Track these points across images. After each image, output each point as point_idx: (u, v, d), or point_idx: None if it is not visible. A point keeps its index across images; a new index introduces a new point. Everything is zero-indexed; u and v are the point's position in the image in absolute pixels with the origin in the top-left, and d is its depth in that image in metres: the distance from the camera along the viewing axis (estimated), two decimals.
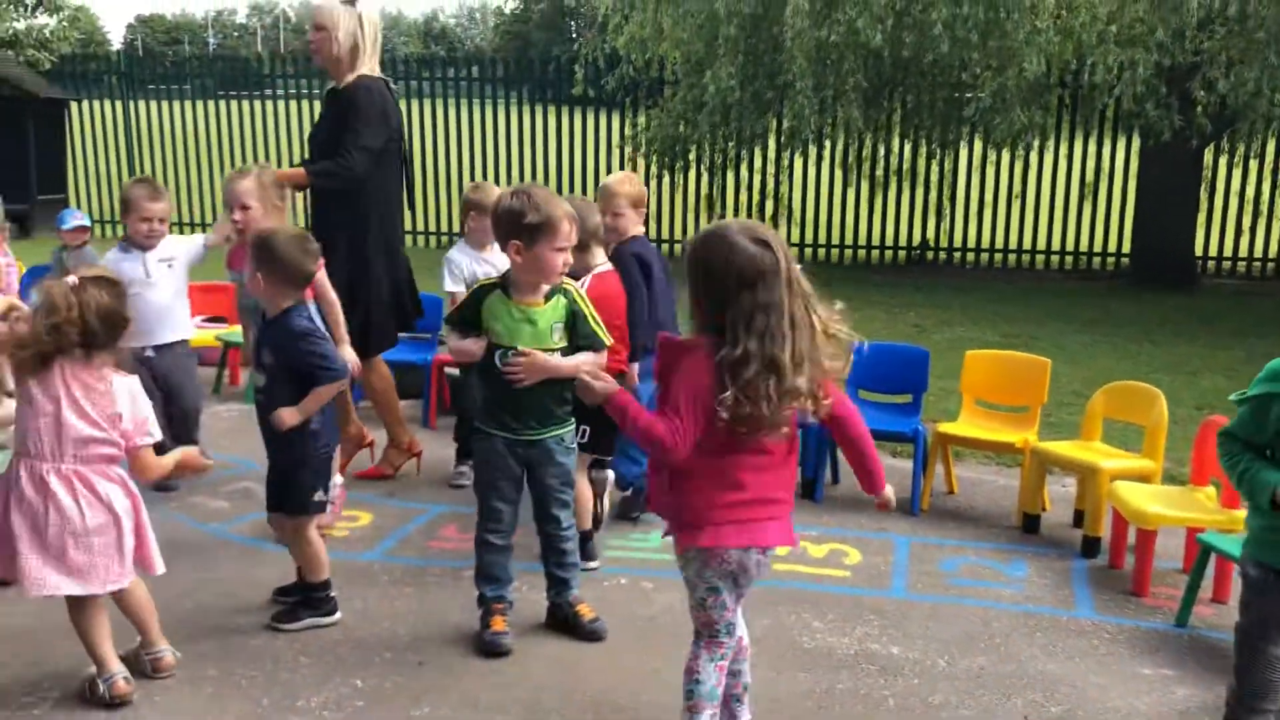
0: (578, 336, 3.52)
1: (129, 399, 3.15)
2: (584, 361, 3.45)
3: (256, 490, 5.01)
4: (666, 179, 13.82)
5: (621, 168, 13.94)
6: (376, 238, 5.05)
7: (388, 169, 5.06)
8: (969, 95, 12.29)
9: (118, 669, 3.20)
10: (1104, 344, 8.85)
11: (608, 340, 3.61)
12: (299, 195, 5.02)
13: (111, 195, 14.93)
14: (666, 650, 3.56)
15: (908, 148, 13.75)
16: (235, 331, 6.91)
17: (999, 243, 13.80)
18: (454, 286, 5.05)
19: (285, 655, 3.49)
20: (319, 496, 3.65)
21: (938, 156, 13.74)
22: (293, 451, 3.61)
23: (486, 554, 3.61)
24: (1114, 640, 3.76)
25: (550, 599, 3.72)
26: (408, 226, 13.99)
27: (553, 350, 3.46)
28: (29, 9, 16.07)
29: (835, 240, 14.25)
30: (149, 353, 4.66)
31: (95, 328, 3.07)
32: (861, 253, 14.16)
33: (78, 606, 3.18)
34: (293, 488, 3.63)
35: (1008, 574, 4.30)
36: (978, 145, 13.21)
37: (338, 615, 3.72)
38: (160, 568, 3.28)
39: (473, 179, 14.04)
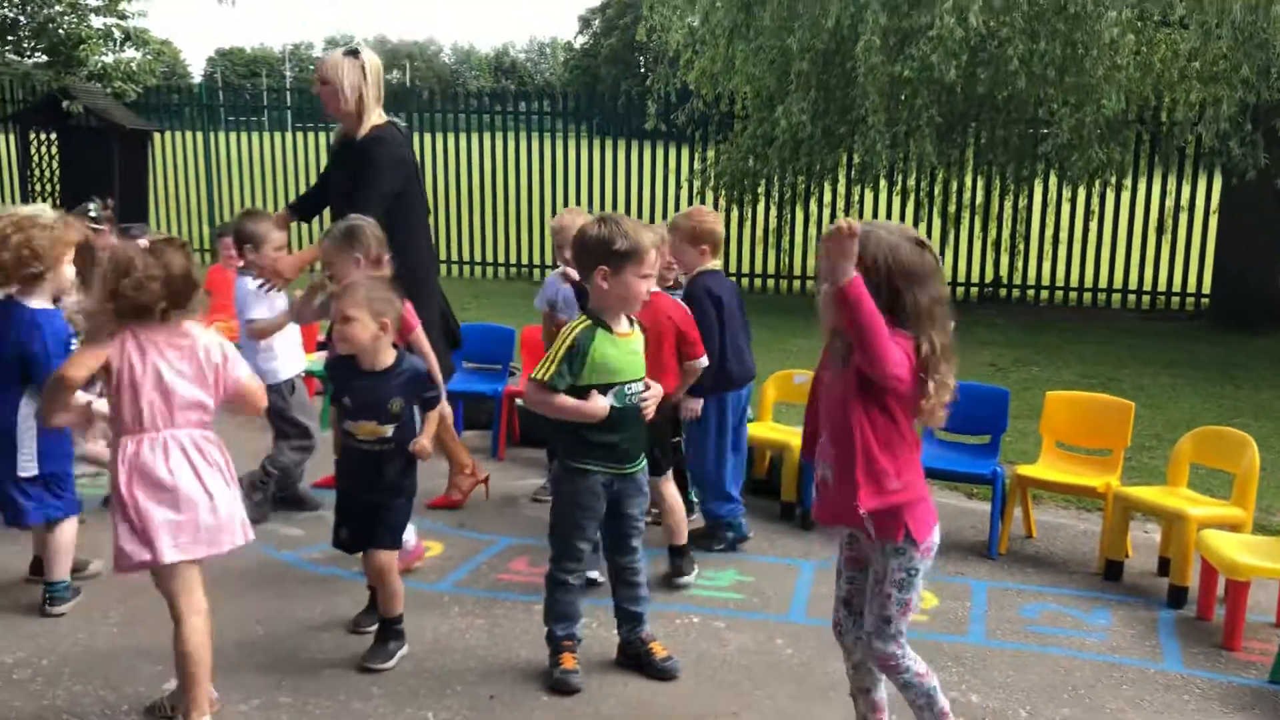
0: None
1: (217, 345, 3.16)
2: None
3: (331, 519, 5.05)
4: (734, 212, 13.81)
5: (690, 201, 13.97)
6: (417, 269, 5.01)
7: (411, 205, 5.10)
8: (1044, 131, 12.15)
9: None
10: (1185, 386, 8.62)
11: None
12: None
13: (191, 223, 15.29)
14: (742, 692, 3.52)
15: (980, 183, 13.61)
16: (310, 360, 7.00)
17: (1074, 280, 13.55)
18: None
19: (358, 685, 3.49)
20: (410, 532, 3.65)
21: (1011, 192, 13.57)
22: (396, 487, 3.65)
23: (561, 593, 3.57)
24: (1205, 696, 3.63)
25: (622, 635, 3.68)
26: (480, 258, 14.23)
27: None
28: (117, 43, 16.54)
29: None
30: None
31: (178, 286, 3.05)
32: None
33: (175, 573, 3.11)
34: (388, 524, 3.64)
35: (1090, 622, 4.18)
36: (1053, 181, 13.03)
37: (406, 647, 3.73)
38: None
39: (543, 212, 14.16)
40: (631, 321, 3.53)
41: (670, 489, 4.34)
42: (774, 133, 12.31)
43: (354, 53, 5.10)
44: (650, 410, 3.54)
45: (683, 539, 4.35)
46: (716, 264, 4.71)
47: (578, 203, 14.39)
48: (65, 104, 14.27)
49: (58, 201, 14.47)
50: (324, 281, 4.47)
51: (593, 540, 3.58)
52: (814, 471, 3.01)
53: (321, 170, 5.74)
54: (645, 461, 3.60)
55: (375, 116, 5.05)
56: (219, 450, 3.19)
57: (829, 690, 3.52)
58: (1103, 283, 13.44)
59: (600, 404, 3.38)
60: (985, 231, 13.74)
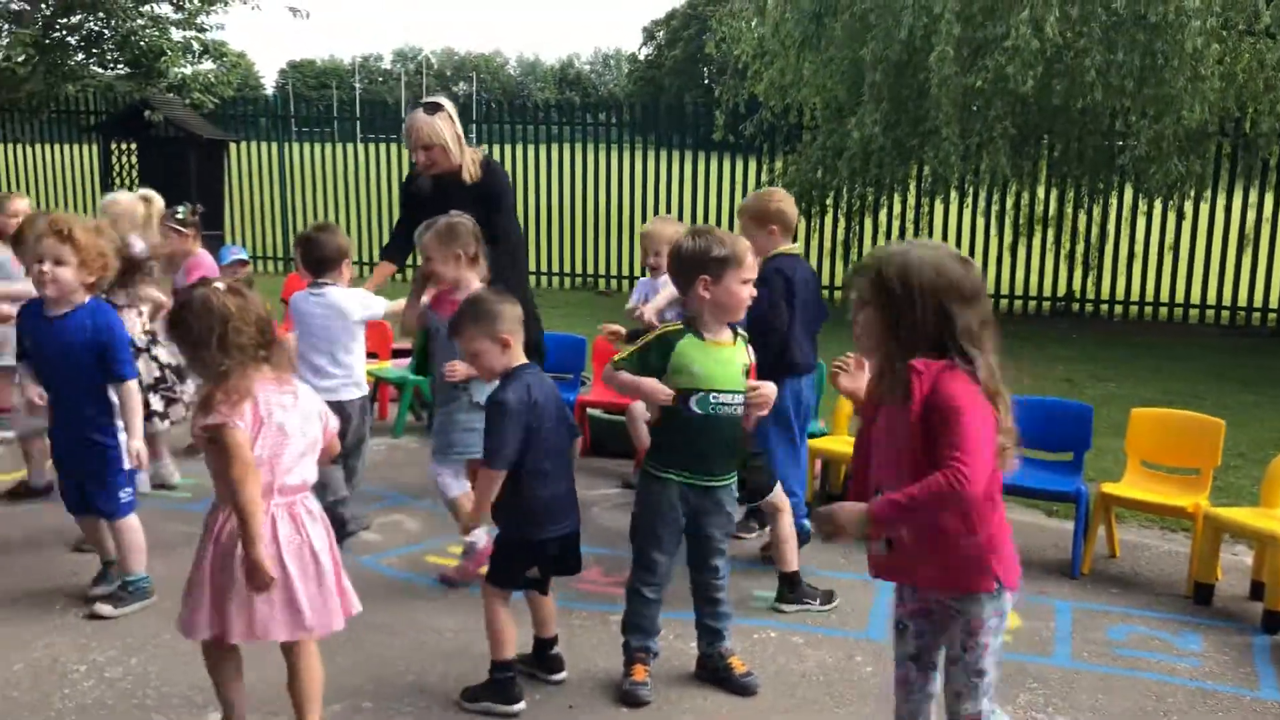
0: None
1: (319, 408, 3.02)
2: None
3: (407, 523, 5.12)
4: (802, 224, 13.74)
5: None
6: (510, 279, 5.03)
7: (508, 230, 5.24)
8: (1121, 144, 11.94)
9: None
10: (1268, 404, 8.39)
11: None
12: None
13: (265, 231, 15.56)
14: (822, 709, 3.48)
15: (1054, 196, 13.39)
16: (385, 367, 7.09)
17: (1150, 295, 13.28)
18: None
19: (439, 691, 3.51)
20: (532, 574, 3.49)
21: (1085, 205, 13.34)
22: (505, 531, 3.47)
23: (639, 606, 3.56)
24: None
25: (701, 649, 3.66)
26: (546, 268, 14.30)
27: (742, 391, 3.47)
28: (196, 56, 16.92)
29: None
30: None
31: (267, 331, 2.86)
32: (1004, 302, 13.78)
33: (218, 648, 3.02)
34: (503, 558, 3.48)
35: (1180, 646, 4.06)
36: (1129, 194, 12.79)
37: (520, 705, 3.41)
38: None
39: (608, 222, 14.21)
40: (736, 334, 3.50)
41: (784, 519, 4.28)
42: (844, 144, 12.24)
43: (434, 106, 5.17)
44: (752, 417, 3.52)
45: (790, 567, 4.27)
46: (793, 247, 4.59)
47: (644, 214, 14.41)
48: (147, 114, 14.62)
49: None
50: (425, 275, 4.50)
51: (670, 554, 3.54)
52: None
53: (399, 216, 5.68)
54: (731, 480, 3.55)
55: (470, 153, 5.23)
56: (318, 524, 3.02)
57: None
58: (1180, 297, 13.14)
59: (661, 387, 3.36)
60: (1059, 245, 13.52)
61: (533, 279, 14.55)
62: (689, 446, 3.43)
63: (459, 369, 4.12)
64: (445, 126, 5.11)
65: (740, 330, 3.57)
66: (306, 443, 2.93)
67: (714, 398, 3.41)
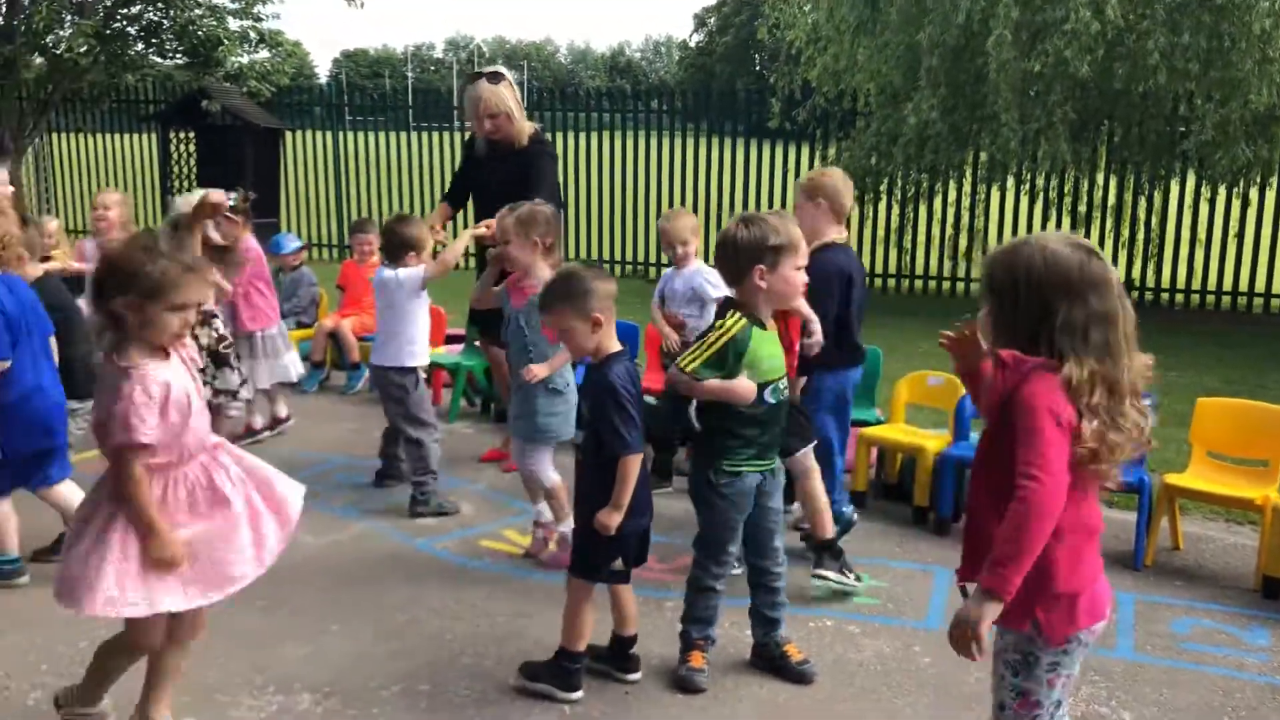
0: None
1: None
2: None
3: (461, 507, 5.13)
4: (855, 211, 13.60)
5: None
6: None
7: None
8: (1184, 129, 11.69)
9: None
10: None
11: None
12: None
13: (320, 219, 15.71)
14: (880, 699, 3.44)
15: (1113, 182, 13.14)
16: (439, 353, 7.12)
17: (1212, 284, 12.99)
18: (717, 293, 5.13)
19: (496, 675, 3.52)
20: (616, 566, 3.39)
21: (1146, 192, 13.08)
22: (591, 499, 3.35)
23: (706, 598, 3.52)
24: None
25: (756, 638, 3.64)
26: (598, 255, 14.28)
27: None
28: (253, 44, 17.07)
29: None
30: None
31: None
32: None
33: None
34: (589, 549, 3.37)
35: (1248, 641, 3.97)
36: (1190, 180, 12.51)
37: (578, 694, 3.39)
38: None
39: (659, 210, 14.17)
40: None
41: (814, 480, 4.23)
42: (900, 130, 12.11)
43: (497, 76, 5.49)
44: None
45: (827, 533, 4.23)
46: (842, 236, 4.51)
47: (694, 201, 14.35)
48: (204, 103, 14.80)
49: None
50: (499, 257, 4.57)
51: (737, 546, 3.53)
52: None
53: (458, 168, 6.09)
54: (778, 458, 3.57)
55: (527, 125, 5.56)
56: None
57: (971, 701, 3.42)
58: (1243, 285, 12.83)
59: (746, 386, 3.31)
60: (1118, 232, 13.27)
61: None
62: (762, 436, 3.41)
63: (536, 372, 4.20)
64: (508, 94, 5.46)
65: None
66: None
67: (781, 384, 3.43)
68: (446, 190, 6.21)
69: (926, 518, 5.03)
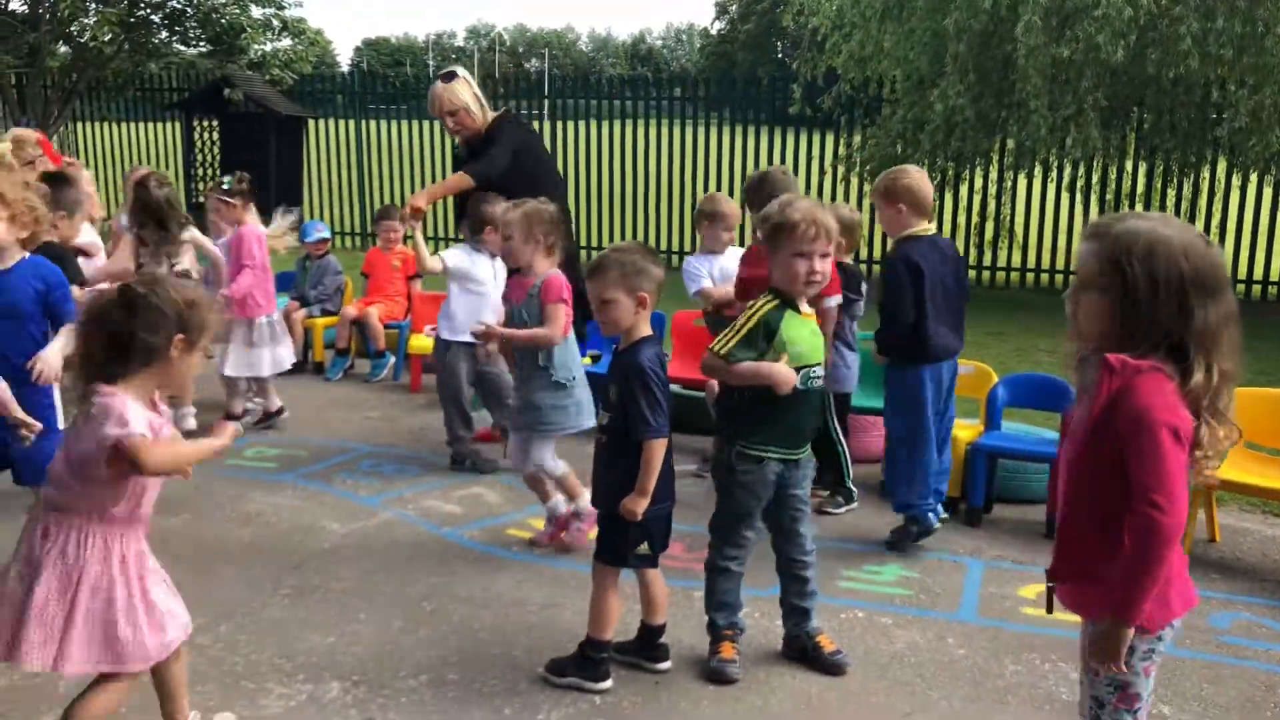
0: None
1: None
2: None
3: (487, 496, 5.10)
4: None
5: (833, 188, 13.72)
6: None
7: (539, 185, 5.23)
8: (1216, 116, 11.53)
9: None
10: None
11: None
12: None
13: (343, 207, 15.71)
14: (915, 692, 3.39)
15: (1142, 170, 12.98)
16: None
17: (1242, 272, 12.82)
18: (707, 283, 5.29)
19: (525, 664, 3.48)
20: (643, 551, 3.35)
21: (1175, 180, 12.91)
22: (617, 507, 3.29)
23: (724, 581, 3.49)
24: None
25: (787, 629, 3.59)
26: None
27: None
28: (276, 32, 17.09)
29: (1060, 265, 13.56)
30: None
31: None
32: None
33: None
34: (614, 535, 3.33)
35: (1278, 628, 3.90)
36: (1221, 168, 12.34)
37: (607, 683, 3.34)
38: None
39: (683, 197, 14.09)
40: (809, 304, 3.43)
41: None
42: (926, 117, 11.99)
43: (449, 75, 5.73)
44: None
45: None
46: (927, 228, 4.40)
47: (719, 189, 14.27)
48: (226, 92, 14.82)
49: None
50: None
51: (757, 530, 3.49)
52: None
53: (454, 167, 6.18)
54: (808, 449, 3.48)
55: (489, 114, 5.74)
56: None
57: (1006, 694, 3.37)
58: (1275, 274, 12.66)
59: (785, 370, 3.26)
60: None
61: None
62: (786, 422, 3.35)
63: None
64: (462, 89, 5.66)
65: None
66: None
67: (813, 371, 3.35)
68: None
69: (958, 508, 4.96)
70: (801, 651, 3.52)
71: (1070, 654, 3.58)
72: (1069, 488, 2.29)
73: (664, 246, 14.33)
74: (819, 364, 3.38)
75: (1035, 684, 3.43)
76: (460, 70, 5.80)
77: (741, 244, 5.64)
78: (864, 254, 12.81)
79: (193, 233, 5.99)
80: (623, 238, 14.34)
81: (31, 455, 3.70)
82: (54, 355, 3.79)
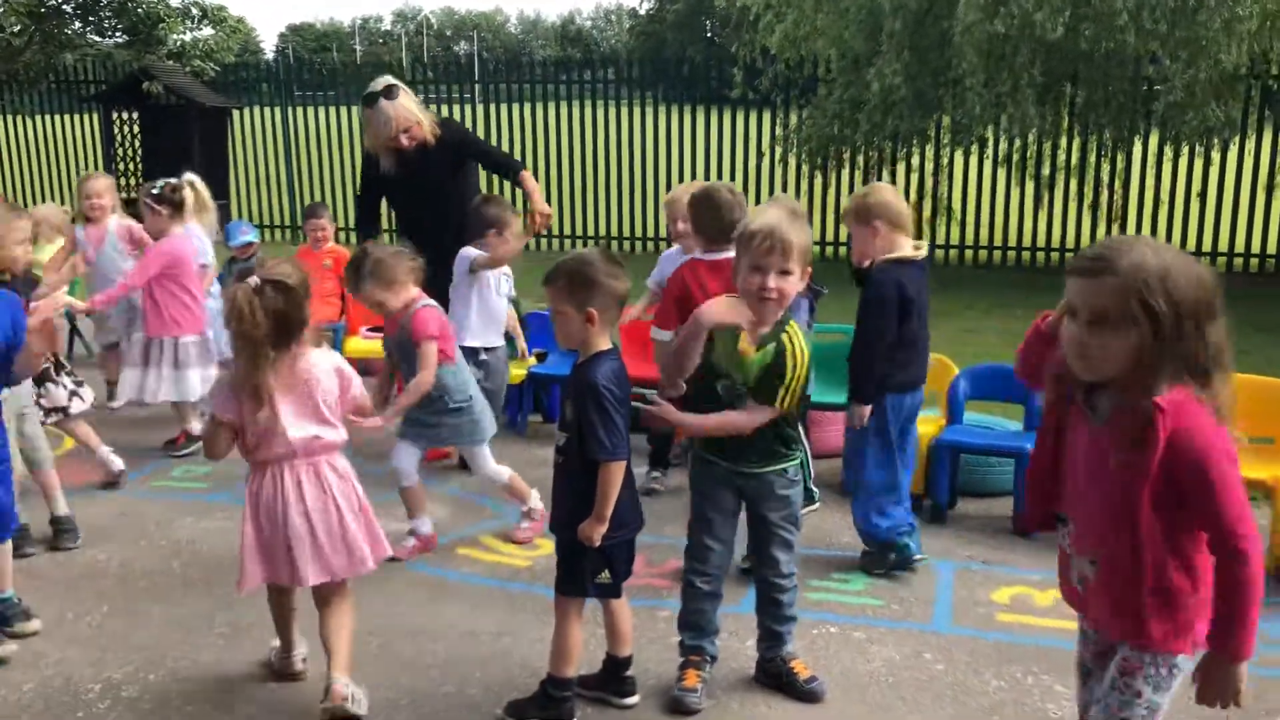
0: None
1: (332, 375, 3.19)
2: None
3: (435, 511, 4.84)
4: (818, 179, 13.41)
5: (771, 169, 13.59)
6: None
7: (472, 184, 5.75)
8: (1147, 89, 11.57)
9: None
10: None
11: None
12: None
13: (271, 200, 15.25)
14: (896, 715, 3.23)
15: (1076, 144, 13.01)
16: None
17: (1176, 243, 12.92)
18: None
19: (482, 705, 3.26)
20: (603, 579, 3.13)
21: (1109, 153, 12.96)
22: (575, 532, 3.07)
23: (690, 599, 3.31)
24: None
25: (760, 652, 3.40)
26: (556, 230, 13.93)
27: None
28: (195, 21, 16.56)
29: (998, 242, 13.57)
30: (483, 355, 5.17)
31: (272, 330, 3.03)
32: (1026, 255, 13.46)
33: (280, 595, 3.33)
34: (572, 562, 3.12)
35: (1271, 634, 3.81)
36: (1153, 141, 12.40)
37: None
38: (387, 550, 3.36)
39: (619, 182, 13.87)
40: (766, 343, 3.09)
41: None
42: (863, 96, 11.88)
43: (391, 90, 5.45)
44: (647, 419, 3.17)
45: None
46: (909, 250, 4.11)
47: (655, 172, 14.04)
48: (145, 84, 14.28)
49: (140, 179, 14.54)
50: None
51: (723, 540, 3.29)
52: (1060, 550, 2.36)
53: (361, 194, 5.96)
54: (781, 466, 3.22)
55: (428, 117, 5.55)
56: (337, 477, 3.21)
57: (991, 713, 3.22)
58: (1206, 245, 12.77)
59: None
60: (1081, 195, 13.15)
61: (544, 241, 14.24)
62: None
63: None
64: (409, 102, 5.43)
65: (795, 333, 3.13)
66: (310, 405, 3.13)
67: (723, 383, 3.14)
68: (358, 225, 6.01)
69: (921, 505, 4.82)
70: (776, 678, 3.34)
71: (1051, 665, 3.47)
72: (1123, 539, 2.14)
73: (601, 232, 14.10)
74: (732, 380, 3.13)
75: (1020, 700, 3.29)
76: (394, 80, 5.55)
77: None
78: None
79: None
80: (560, 223, 14.05)
81: None
82: None
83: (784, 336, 3.10)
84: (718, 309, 3.11)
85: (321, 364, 3.18)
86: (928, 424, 4.94)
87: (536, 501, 4.53)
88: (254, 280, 3.05)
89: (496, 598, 4.00)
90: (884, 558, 4.22)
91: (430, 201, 5.45)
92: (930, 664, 3.51)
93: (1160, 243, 2.14)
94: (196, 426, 5.69)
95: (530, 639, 3.59)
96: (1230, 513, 2.04)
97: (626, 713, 3.23)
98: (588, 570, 3.10)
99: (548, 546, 4.44)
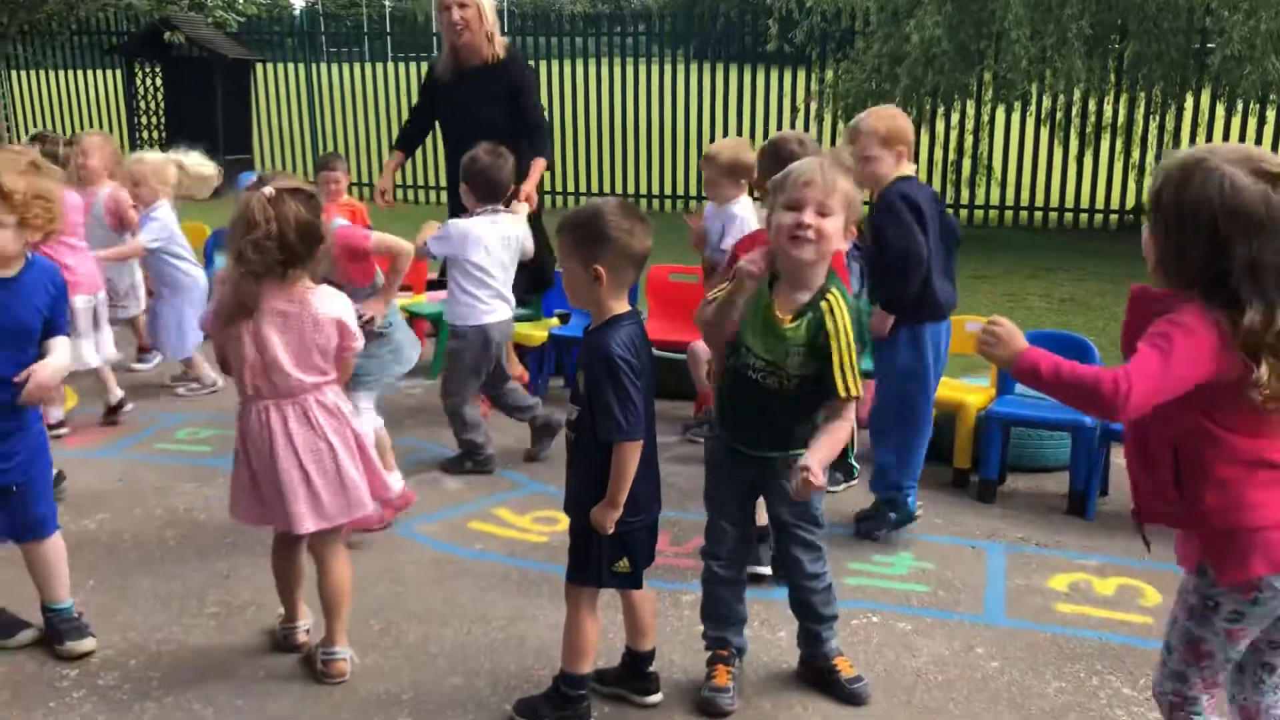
0: None
1: (332, 319, 2.94)
2: None
3: (446, 482, 4.58)
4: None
5: (806, 126, 13.16)
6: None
7: None
8: (1199, 46, 11.04)
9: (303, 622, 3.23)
10: None
11: None
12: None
13: (294, 155, 14.96)
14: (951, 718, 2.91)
15: (1124, 101, 12.47)
16: (419, 301, 6.53)
17: None
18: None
19: (490, 701, 2.96)
20: (621, 568, 2.80)
21: (1157, 111, 12.42)
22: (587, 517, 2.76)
23: (709, 584, 3.01)
24: None
25: (801, 648, 3.08)
26: (586, 189, 13.59)
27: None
28: None
29: (1040, 202, 13.09)
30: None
31: (293, 242, 2.81)
32: (1069, 216, 12.97)
33: (282, 549, 3.14)
34: (585, 550, 2.79)
35: None
36: (1204, 100, 11.85)
37: None
38: (395, 487, 3.20)
39: (650, 140, 13.47)
40: (804, 314, 2.77)
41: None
42: (903, 49, 11.41)
43: None
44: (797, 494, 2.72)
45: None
46: (911, 170, 3.91)
47: (688, 129, 13.64)
48: (166, 34, 13.99)
49: (163, 133, 14.28)
50: None
51: (737, 523, 2.98)
52: None
53: (416, 103, 5.77)
54: (791, 454, 2.83)
55: (499, 38, 5.11)
56: (333, 417, 2.98)
57: (1056, 718, 2.91)
58: None
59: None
60: (1128, 154, 12.64)
61: (572, 200, 13.90)
62: (723, 402, 2.93)
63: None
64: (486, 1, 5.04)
65: (837, 300, 2.79)
66: (304, 346, 2.91)
67: (747, 360, 2.83)
68: (399, 133, 5.76)
69: (967, 481, 4.50)
70: (818, 675, 3.02)
71: (1116, 664, 3.16)
72: (1139, 442, 2.19)
73: (630, 190, 13.72)
74: (755, 353, 2.81)
75: (1085, 704, 2.96)
76: None
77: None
78: None
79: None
80: (590, 182, 13.69)
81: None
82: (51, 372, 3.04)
83: (824, 304, 2.76)
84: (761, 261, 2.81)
85: (326, 307, 2.93)
86: (976, 394, 4.60)
87: (398, 483, 3.87)
88: (269, 189, 2.80)
89: (511, 578, 3.71)
90: (884, 518, 4.00)
91: (477, 130, 4.86)
92: (983, 661, 3.19)
93: (1244, 149, 2.06)
94: (116, 395, 5.33)
95: (546, 624, 3.31)
96: (1138, 355, 2.03)
97: (649, 712, 2.93)
98: (603, 558, 2.77)
99: (566, 520, 4.14)
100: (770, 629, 3.29)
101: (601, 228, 2.66)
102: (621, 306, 2.73)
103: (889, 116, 3.90)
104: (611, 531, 2.70)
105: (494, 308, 4.55)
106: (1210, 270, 1.98)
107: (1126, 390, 1.96)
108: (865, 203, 3.74)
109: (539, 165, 5.10)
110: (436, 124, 5.65)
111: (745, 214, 4.74)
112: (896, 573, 3.77)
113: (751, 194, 4.87)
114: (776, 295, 2.80)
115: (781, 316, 2.78)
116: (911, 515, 4.01)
